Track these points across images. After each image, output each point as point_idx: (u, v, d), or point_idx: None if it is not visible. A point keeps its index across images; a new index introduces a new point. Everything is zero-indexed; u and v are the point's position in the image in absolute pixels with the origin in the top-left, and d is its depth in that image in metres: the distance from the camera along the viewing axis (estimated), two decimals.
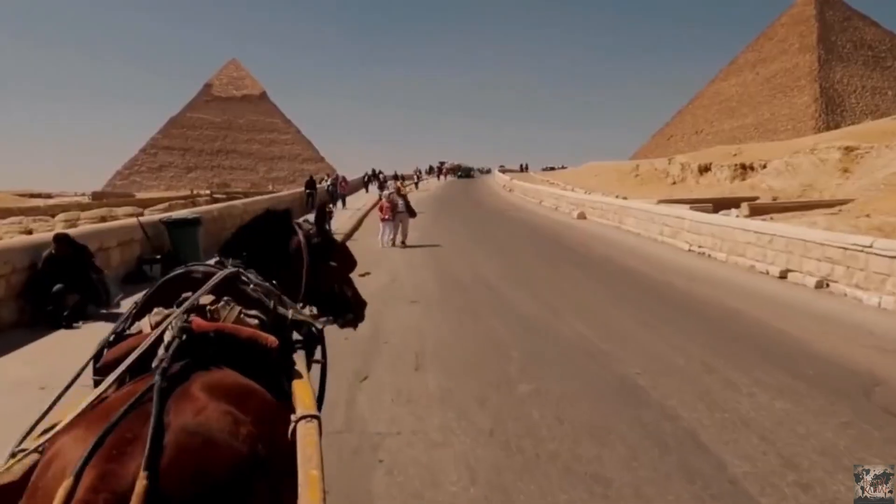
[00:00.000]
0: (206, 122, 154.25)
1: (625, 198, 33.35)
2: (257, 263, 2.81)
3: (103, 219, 25.05)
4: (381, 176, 54.10)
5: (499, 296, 12.08)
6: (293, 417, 1.92)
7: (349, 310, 3.50)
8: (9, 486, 1.59)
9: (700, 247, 17.59)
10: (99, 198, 62.16)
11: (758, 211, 22.99)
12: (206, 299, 2.28)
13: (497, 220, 28.45)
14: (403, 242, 19.64)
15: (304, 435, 1.84)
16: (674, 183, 43.44)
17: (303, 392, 2.11)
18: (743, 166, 38.36)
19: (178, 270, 2.59)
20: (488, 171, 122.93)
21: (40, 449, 1.68)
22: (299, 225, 3.27)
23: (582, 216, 28.27)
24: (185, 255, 13.14)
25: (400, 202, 19.98)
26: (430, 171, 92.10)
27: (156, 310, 2.22)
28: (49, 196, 76.35)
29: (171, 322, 2.04)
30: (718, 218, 19.00)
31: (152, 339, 1.98)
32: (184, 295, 2.29)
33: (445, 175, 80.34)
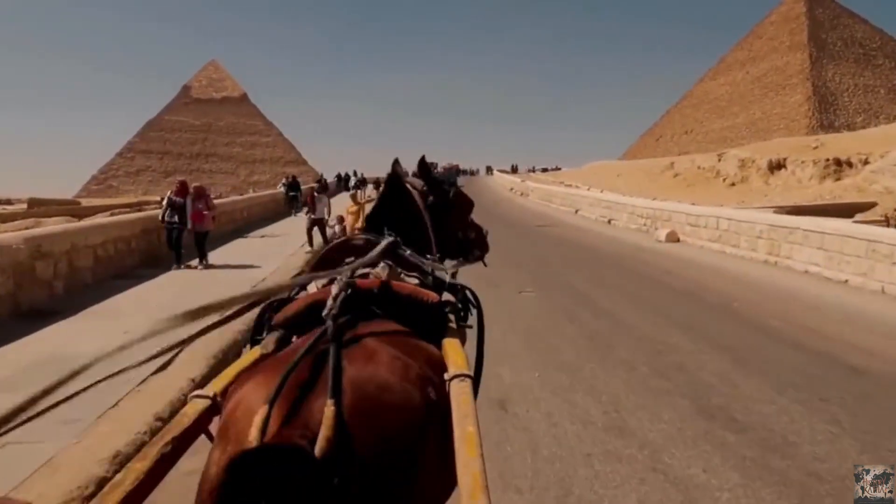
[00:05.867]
0: (184, 125, 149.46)
1: (691, 203, 22.55)
2: (398, 232, 2.62)
3: None
4: (357, 178, 42.65)
5: None
6: (446, 376, 1.75)
7: (474, 248, 3.57)
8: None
9: None
10: (36, 205, 51.63)
11: None
12: (367, 268, 2.20)
13: (540, 248, 17.63)
14: None
15: (459, 393, 1.67)
16: (732, 184, 32.77)
17: (454, 351, 1.92)
18: (837, 162, 27.58)
19: (339, 239, 2.70)
20: (475, 173, 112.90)
21: (213, 396, 1.73)
22: (413, 185, 3.08)
23: (673, 238, 17.29)
24: None
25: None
26: None
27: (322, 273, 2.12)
28: None
29: (339, 279, 1.95)
30: None
31: (323, 295, 1.91)
32: (347, 260, 2.24)
33: None
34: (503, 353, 7.29)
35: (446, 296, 2.41)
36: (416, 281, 2.27)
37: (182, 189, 13.33)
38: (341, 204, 18.62)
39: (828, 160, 28.84)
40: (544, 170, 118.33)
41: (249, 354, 1.95)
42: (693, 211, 17.76)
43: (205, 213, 13.29)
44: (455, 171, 73.28)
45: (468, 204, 3.69)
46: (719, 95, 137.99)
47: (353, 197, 15.18)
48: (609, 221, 23.80)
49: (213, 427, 1.62)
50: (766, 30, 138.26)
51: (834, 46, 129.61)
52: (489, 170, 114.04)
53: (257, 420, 1.36)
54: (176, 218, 12.98)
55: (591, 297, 10.42)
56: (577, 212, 28.29)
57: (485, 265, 3.68)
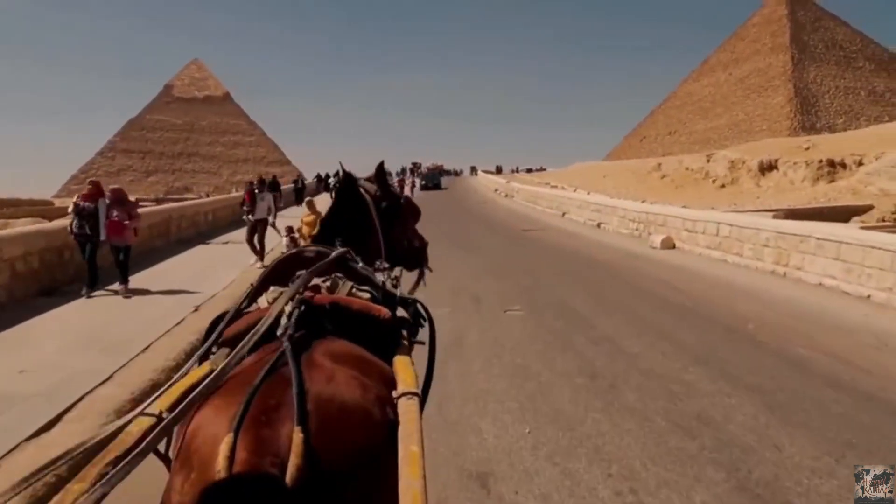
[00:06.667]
0: (166, 124, 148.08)
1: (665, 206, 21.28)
2: (351, 240, 2.67)
3: None
4: (337, 179, 40.90)
5: None
6: (394, 394, 1.69)
7: (418, 257, 3.47)
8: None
9: None
10: (6, 206, 49.75)
11: None
12: (318, 278, 2.17)
13: (527, 255, 16.33)
14: None
15: (406, 412, 1.63)
16: (722, 186, 31.61)
17: (404, 369, 1.85)
18: (831, 163, 26.48)
19: (290, 252, 2.54)
20: (459, 173, 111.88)
21: (158, 414, 1.63)
22: (366, 190, 3.04)
23: (668, 244, 16.02)
24: None
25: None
26: (403, 172, 79.43)
27: (272, 288, 2.11)
28: None
29: (290, 295, 1.94)
30: None
31: (277, 309, 1.87)
32: (298, 273, 2.16)
33: (412, 187, 48.52)
34: (485, 397, 5.92)
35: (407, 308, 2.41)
36: (368, 295, 2.19)
37: (94, 192, 10.34)
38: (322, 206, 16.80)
39: (821, 161, 27.74)
40: (529, 170, 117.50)
41: (198, 371, 1.82)
42: (690, 215, 16.48)
43: (124, 222, 10.26)
44: (439, 171, 71.55)
45: (416, 212, 3.68)
46: (703, 97, 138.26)
47: (310, 204, 12.47)
48: (598, 225, 22.51)
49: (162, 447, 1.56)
50: (748, 32, 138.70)
51: (815, 49, 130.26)
52: (473, 170, 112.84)
53: (224, 448, 1.31)
54: (87, 229, 10.07)
55: (586, 316, 9.08)
56: (564, 215, 27.00)
57: (428, 273, 3.62)
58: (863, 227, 14.88)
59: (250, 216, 13.93)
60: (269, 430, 1.37)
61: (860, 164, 27.14)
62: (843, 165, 27.34)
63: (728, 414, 5.46)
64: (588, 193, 33.58)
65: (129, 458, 1.42)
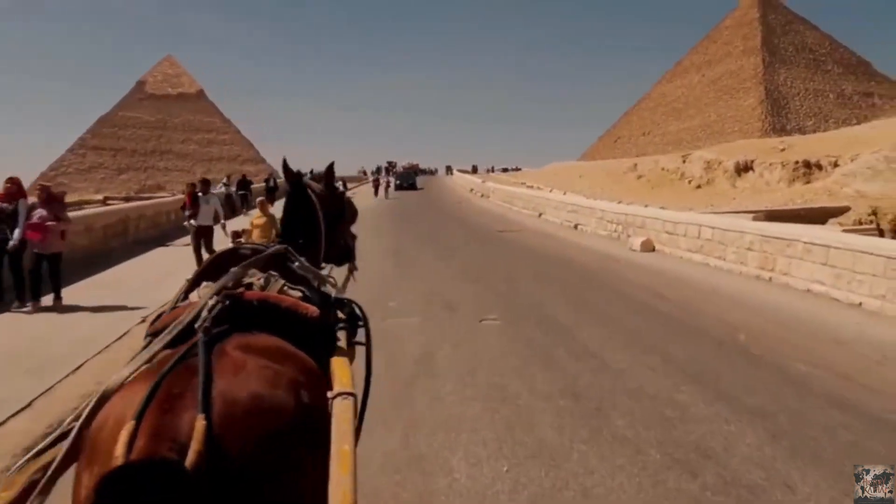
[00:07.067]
0: (138, 121, 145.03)
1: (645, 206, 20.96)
2: (307, 240, 2.81)
3: None
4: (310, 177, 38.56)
5: None
6: (329, 394, 1.76)
7: (351, 256, 3.52)
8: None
9: None
10: None
11: None
12: (253, 276, 2.17)
13: (503, 258, 15.72)
14: None
15: (340, 411, 1.68)
16: (698, 187, 31.37)
17: (341, 369, 1.93)
18: (806, 164, 26.28)
19: (227, 248, 2.54)
20: (434, 172, 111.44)
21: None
22: (312, 189, 3.04)
23: (648, 247, 15.52)
24: None
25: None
26: (378, 171, 78.40)
27: (204, 284, 2.13)
28: None
29: (216, 290, 1.93)
30: None
31: (199, 307, 1.84)
32: (232, 269, 2.15)
33: (387, 187, 46.30)
34: (457, 425, 5.23)
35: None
36: (300, 294, 2.16)
37: (13, 191, 8.92)
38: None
39: (796, 163, 27.55)
40: (504, 170, 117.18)
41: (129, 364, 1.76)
42: (670, 217, 15.97)
43: (47, 224, 8.79)
44: (414, 171, 70.68)
45: (354, 213, 3.73)
46: (676, 98, 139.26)
47: (262, 205, 11.37)
48: (576, 226, 21.97)
49: None
50: (721, 34, 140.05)
51: (786, 51, 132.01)
52: (449, 169, 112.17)
53: (123, 436, 1.31)
54: (8, 233, 8.67)
55: (568, 326, 8.45)
56: (540, 215, 26.43)
57: (355, 270, 3.65)
58: (846, 231, 14.50)
59: (192, 221, 12.41)
60: (172, 417, 1.36)
61: (836, 165, 26.99)
62: (819, 167, 27.18)
63: (729, 444, 4.85)
64: (564, 194, 33.10)
65: (56, 463, 1.48)
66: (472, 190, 45.70)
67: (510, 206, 31.22)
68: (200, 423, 1.31)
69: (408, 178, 57.09)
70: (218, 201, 12.92)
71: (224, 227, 12.29)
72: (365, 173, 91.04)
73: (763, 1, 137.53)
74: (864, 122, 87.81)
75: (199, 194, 12.65)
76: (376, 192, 42.95)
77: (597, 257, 15.29)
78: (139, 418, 1.33)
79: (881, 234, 17.92)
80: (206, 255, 11.64)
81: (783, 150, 29.62)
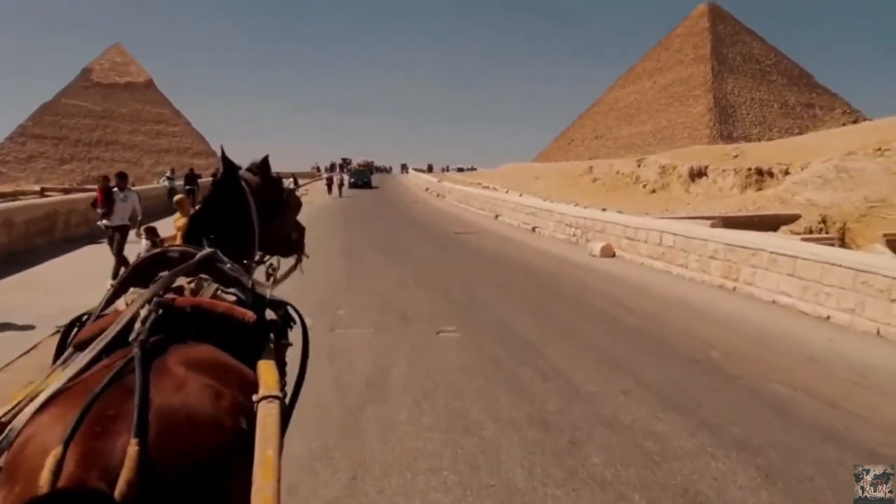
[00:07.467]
0: (83, 110, 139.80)
1: (603, 209, 20.73)
2: (226, 235, 2.56)
3: None
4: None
5: None
6: (255, 398, 1.63)
7: (297, 247, 3.41)
8: None
9: None
10: None
11: None
12: (182, 280, 2.04)
13: (461, 262, 15.12)
14: None
15: (265, 416, 1.58)
16: (653, 191, 31.39)
17: (267, 372, 1.78)
18: (759, 171, 26.51)
19: (154, 251, 2.38)
20: (388, 171, 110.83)
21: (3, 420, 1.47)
22: (247, 182, 2.85)
23: (608, 252, 15.13)
24: None
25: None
26: (332, 168, 76.90)
27: (131, 290, 2.02)
28: None
29: (147, 298, 1.82)
30: None
31: (130, 313, 1.76)
32: (160, 274, 2.04)
33: (340, 185, 43.55)
34: (414, 462, 4.53)
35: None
36: (234, 298, 2.06)
37: None
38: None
39: (749, 170, 27.80)
40: (460, 169, 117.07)
41: (52, 376, 1.61)
42: (631, 223, 15.59)
43: None
44: (370, 168, 69.38)
45: (297, 204, 3.51)
46: (628, 103, 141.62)
47: (181, 205, 9.99)
48: (533, 229, 21.49)
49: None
50: (672, 42, 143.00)
51: (734, 61, 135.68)
52: (404, 168, 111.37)
53: (50, 461, 1.22)
54: None
55: (530, 341, 7.83)
56: (497, 217, 25.92)
57: (303, 260, 3.44)
58: (804, 239, 14.36)
59: (105, 221, 10.79)
60: (102, 443, 1.28)
61: (786, 173, 27.30)
62: (771, 174, 27.46)
63: (721, 487, 4.28)
64: (520, 195, 32.74)
65: None
66: (427, 189, 44.98)
67: (466, 207, 30.62)
68: (133, 448, 1.25)
69: (362, 177, 53.99)
70: (137, 198, 11.17)
71: (139, 227, 10.51)
72: (318, 170, 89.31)
73: (713, 11, 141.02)
74: (806, 131, 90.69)
75: (115, 190, 10.91)
76: (330, 190, 41.44)
77: (557, 263, 14.79)
78: (67, 442, 1.24)
79: (842, 242, 17.94)
80: (117, 258, 10.44)
81: (736, 156, 29.88)
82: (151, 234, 8.63)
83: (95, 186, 11.64)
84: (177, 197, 10.84)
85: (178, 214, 10.00)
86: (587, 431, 5.13)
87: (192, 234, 2.56)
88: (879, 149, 23.17)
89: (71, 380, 1.51)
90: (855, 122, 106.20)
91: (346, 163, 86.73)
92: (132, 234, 10.72)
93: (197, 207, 3.00)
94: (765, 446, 4.95)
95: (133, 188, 11.89)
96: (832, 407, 5.89)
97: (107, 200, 10.74)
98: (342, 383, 6.16)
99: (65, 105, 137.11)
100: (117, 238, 10.58)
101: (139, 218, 10.97)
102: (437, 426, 5.18)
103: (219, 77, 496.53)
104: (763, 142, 56.18)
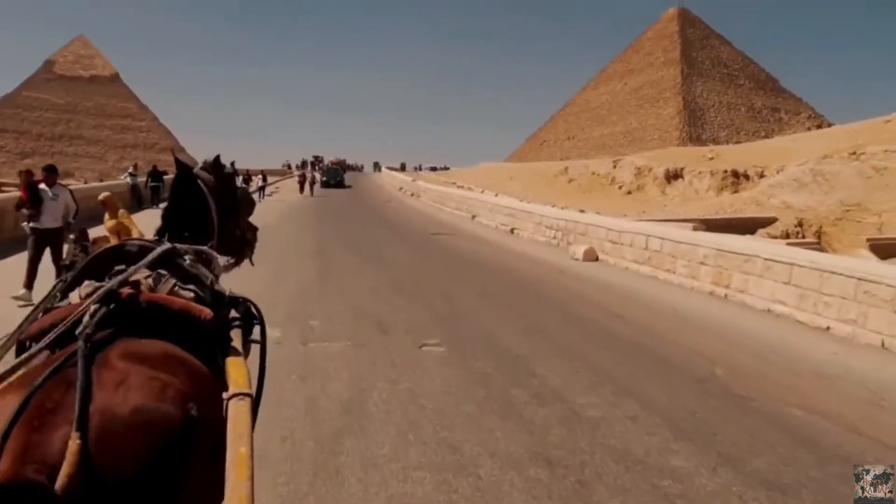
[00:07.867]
0: (46, 103, 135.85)
1: (581, 210, 20.31)
2: (195, 234, 2.54)
3: None
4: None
5: None
6: (225, 395, 1.65)
7: (249, 247, 3.35)
8: None
9: None
10: None
11: None
12: (140, 274, 1.92)
13: (439, 266, 14.53)
14: None
15: (236, 413, 1.57)
16: (629, 192, 31.12)
17: (236, 370, 1.77)
18: (735, 174, 26.37)
19: (111, 244, 2.28)
20: (360, 169, 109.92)
21: None
22: (204, 181, 2.79)
23: (591, 256, 14.61)
24: None
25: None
26: (304, 165, 75.66)
27: (86, 283, 1.88)
28: None
29: (102, 293, 1.71)
30: None
31: (82, 308, 1.66)
32: (117, 268, 1.94)
33: (312, 185, 41.10)
34: None
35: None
36: (192, 294, 1.96)
37: None
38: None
39: (725, 172, 27.67)
40: (433, 168, 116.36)
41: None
42: (615, 226, 15.10)
43: None
44: (342, 167, 68.32)
45: (250, 204, 3.50)
46: (600, 104, 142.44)
47: (109, 205, 8.90)
48: (512, 231, 20.93)
49: None
50: (643, 45, 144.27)
51: (703, 65, 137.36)
52: (377, 166, 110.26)
53: None
54: None
55: (521, 356, 7.20)
56: (474, 217, 25.32)
57: (252, 263, 3.34)
58: (790, 244, 14.00)
59: (32, 223, 9.10)
60: (41, 436, 1.24)
61: (762, 175, 27.24)
62: (746, 177, 27.37)
63: None
64: (496, 195, 32.22)
65: None
66: (401, 189, 44.19)
67: (442, 207, 29.94)
68: (74, 442, 1.21)
69: (335, 175, 51.09)
70: (70, 195, 9.47)
71: (69, 228, 9.08)
72: (289, 167, 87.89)
73: (682, 15, 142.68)
74: (773, 135, 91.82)
75: (42, 187, 9.20)
76: (301, 189, 40.03)
77: (539, 267, 14.23)
78: (6, 435, 1.20)
79: (818, 246, 17.70)
80: (53, 269, 8.59)
81: (712, 158, 29.76)
82: (82, 235, 7.65)
83: (60, 182, 9.92)
84: (102, 195, 9.34)
85: (106, 215, 8.87)
86: (596, 469, 4.51)
87: (165, 232, 2.49)
88: (854, 152, 23.12)
89: (9, 373, 1.45)
90: (819, 126, 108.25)
91: (318, 160, 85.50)
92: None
93: (163, 206, 2.86)
94: (796, 485, 4.39)
95: (63, 184, 10.37)
96: (855, 433, 5.38)
97: (33, 199, 9.08)
98: (316, 408, 5.45)
99: (26, 98, 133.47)
100: (49, 242, 9.01)
101: (73, 218, 9.35)
102: (427, 464, 4.51)
103: (186, 72, 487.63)
104: (737, 144, 56.61)
